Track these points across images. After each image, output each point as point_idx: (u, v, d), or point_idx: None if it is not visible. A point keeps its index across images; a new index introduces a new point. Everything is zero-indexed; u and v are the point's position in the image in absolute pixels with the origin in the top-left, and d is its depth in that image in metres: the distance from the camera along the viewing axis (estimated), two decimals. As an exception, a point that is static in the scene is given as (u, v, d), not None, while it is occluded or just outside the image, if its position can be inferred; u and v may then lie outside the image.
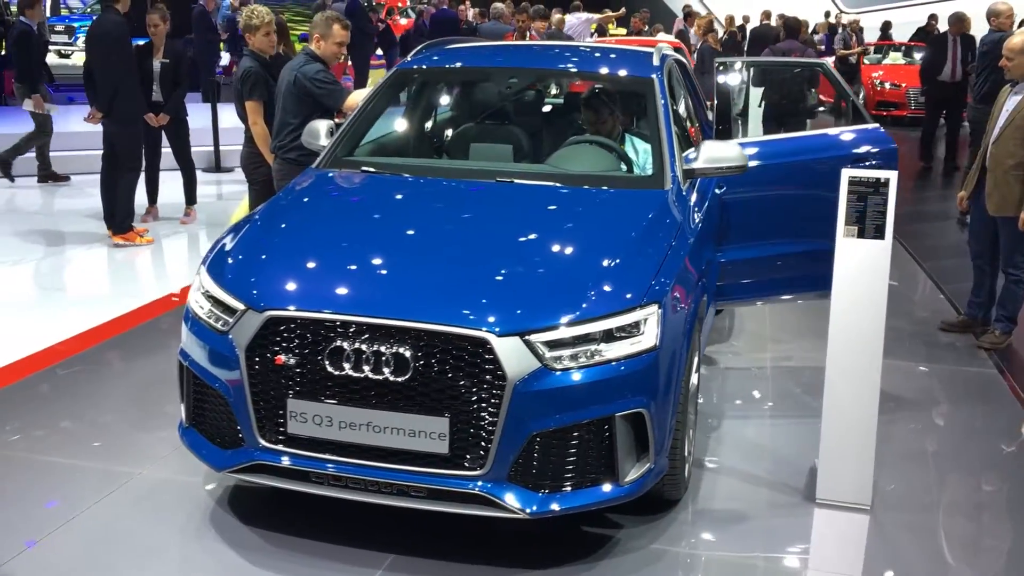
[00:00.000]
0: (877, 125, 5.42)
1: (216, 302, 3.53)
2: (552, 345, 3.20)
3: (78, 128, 9.42)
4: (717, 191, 4.82)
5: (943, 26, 14.50)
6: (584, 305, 3.30)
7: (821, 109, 10.12)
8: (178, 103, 8.32)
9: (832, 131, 5.46)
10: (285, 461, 3.36)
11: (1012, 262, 5.70)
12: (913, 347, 5.87)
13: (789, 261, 5.20)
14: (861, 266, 3.89)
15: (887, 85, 16.99)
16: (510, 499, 3.21)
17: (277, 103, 5.64)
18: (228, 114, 9.23)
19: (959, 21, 11.33)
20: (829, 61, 11.14)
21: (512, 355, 3.16)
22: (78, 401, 4.79)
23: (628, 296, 3.37)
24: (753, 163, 4.74)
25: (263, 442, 3.37)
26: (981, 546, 3.81)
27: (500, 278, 3.45)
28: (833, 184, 5.27)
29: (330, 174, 4.45)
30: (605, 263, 3.54)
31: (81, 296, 6.88)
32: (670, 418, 3.46)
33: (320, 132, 4.74)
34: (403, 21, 22.68)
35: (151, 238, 7.91)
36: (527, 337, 3.18)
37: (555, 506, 3.26)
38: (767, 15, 19.18)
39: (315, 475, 3.35)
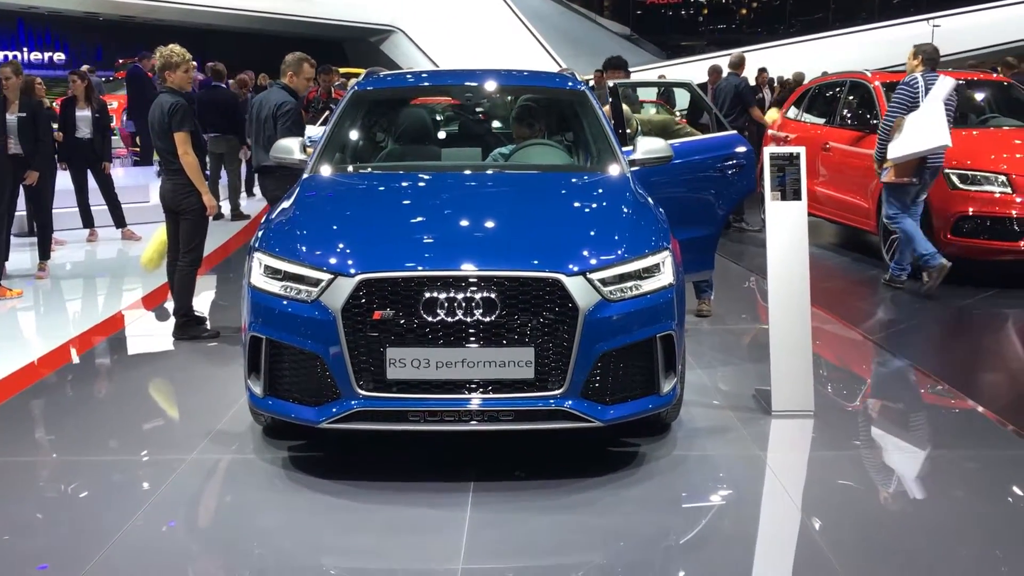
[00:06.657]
0: (735, 132, 6.60)
1: (291, 276, 3.95)
2: (605, 282, 3.92)
3: None
4: None
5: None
6: (618, 252, 4.05)
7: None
8: (44, 158, 8.24)
9: (702, 137, 6.57)
10: (386, 404, 3.83)
11: None
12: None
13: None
14: (786, 223, 4.91)
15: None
16: (586, 412, 3.87)
17: (263, 128, 6.62)
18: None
19: (715, 72, 13.17)
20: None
21: (580, 291, 3.85)
22: (74, 417, 4.89)
23: (646, 245, 4.16)
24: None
25: (361, 391, 3.82)
26: (909, 424, 4.86)
27: (550, 235, 4.13)
28: (709, 179, 6.41)
29: (337, 175, 4.95)
30: (620, 222, 4.33)
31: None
32: (683, 344, 4.26)
33: (294, 148, 5.20)
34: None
35: (20, 290, 7.74)
36: (588, 276, 3.89)
37: (620, 415, 3.95)
38: None
39: (412, 413, 3.84)
